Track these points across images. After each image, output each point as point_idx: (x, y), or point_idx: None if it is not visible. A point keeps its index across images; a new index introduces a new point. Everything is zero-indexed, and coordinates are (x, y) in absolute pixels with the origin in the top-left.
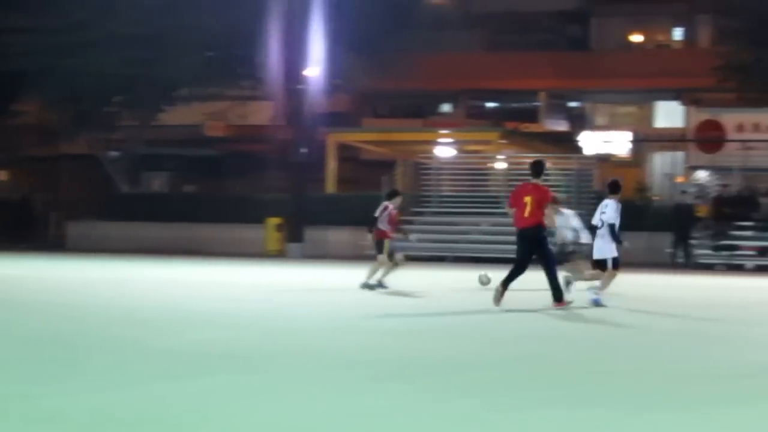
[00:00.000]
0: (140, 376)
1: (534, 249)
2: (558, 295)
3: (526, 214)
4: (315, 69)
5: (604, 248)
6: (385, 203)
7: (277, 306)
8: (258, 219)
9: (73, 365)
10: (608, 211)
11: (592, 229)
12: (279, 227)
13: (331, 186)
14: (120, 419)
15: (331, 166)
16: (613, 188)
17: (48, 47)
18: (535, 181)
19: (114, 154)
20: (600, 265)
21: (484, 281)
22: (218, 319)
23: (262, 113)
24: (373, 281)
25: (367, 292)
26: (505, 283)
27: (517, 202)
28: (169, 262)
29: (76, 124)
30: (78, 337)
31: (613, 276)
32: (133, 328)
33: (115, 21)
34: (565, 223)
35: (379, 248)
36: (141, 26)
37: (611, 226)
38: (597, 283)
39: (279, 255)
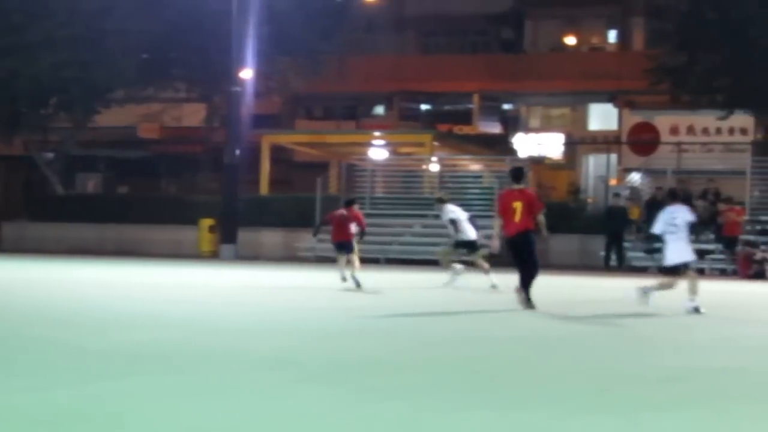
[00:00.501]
0: (68, 376)
1: (523, 253)
2: (526, 300)
3: (517, 219)
4: (248, 71)
5: (680, 252)
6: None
7: (208, 307)
8: (191, 220)
9: (1, 365)
10: (680, 215)
11: (654, 238)
12: (212, 228)
13: (264, 188)
14: (46, 419)
15: (265, 167)
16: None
17: None
18: (518, 186)
19: (48, 155)
20: (672, 271)
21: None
22: (148, 320)
23: (195, 115)
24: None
25: (299, 292)
26: (526, 289)
27: (505, 210)
28: (102, 263)
29: (11, 125)
30: (6, 337)
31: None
32: (61, 329)
33: (50, 23)
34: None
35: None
36: (76, 28)
37: (692, 226)
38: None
39: (212, 256)
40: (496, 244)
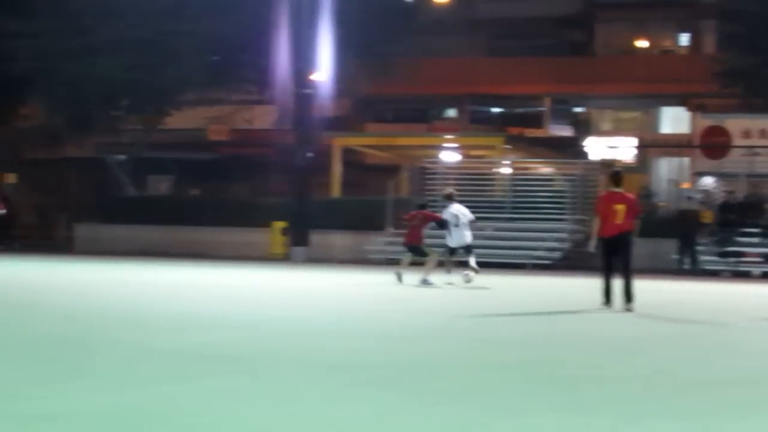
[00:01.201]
0: (143, 377)
1: (621, 252)
2: (630, 298)
3: (618, 221)
4: (319, 73)
5: None
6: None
7: (278, 309)
8: (262, 223)
9: (77, 366)
10: None
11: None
12: (283, 231)
13: (335, 190)
14: (119, 420)
15: (336, 170)
16: None
17: (54, 51)
18: (617, 189)
19: (119, 157)
20: None
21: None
22: (220, 321)
23: (266, 117)
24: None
25: (369, 295)
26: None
27: (605, 211)
28: (173, 265)
29: (82, 127)
30: (82, 338)
31: None
32: (136, 330)
33: (120, 25)
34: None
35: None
36: (145, 30)
37: None
38: None
39: (283, 259)
40: (592, 244)
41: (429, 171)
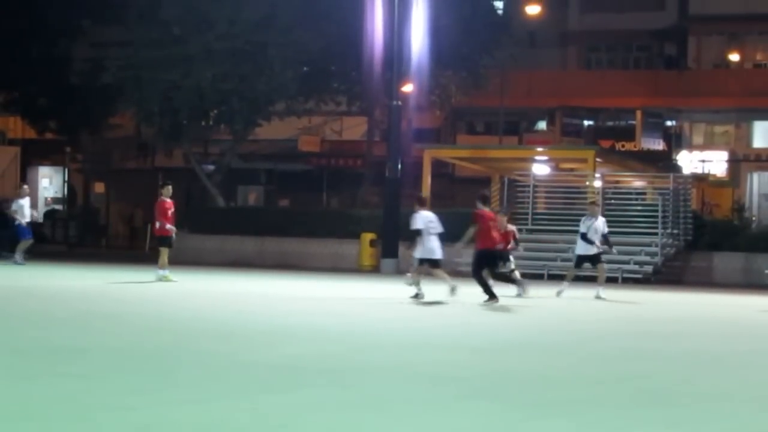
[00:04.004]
0: (234, 389)
1: None
2: None
3: None
4: (410, 85)
5: None
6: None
7: (369, 320)
8: (352, 234)
9: (168, 377)
10: None
11: None
12: (373, 242)
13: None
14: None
15: (426, 182)
16: None
17: (145, 61)
18: None
19: (209, 167)
20: None
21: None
22: (310, 333)
23: (356, 129)
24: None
25: (460, 308)
26: None
27: None
28: (262, 276)
29: (172, 137)
30: (172, 350)
31: None
32: (226, 342)
33: (211, 35)
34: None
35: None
36: (236, 41)
37: None
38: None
39: (373, 270)
40: None
41: (520, 183)
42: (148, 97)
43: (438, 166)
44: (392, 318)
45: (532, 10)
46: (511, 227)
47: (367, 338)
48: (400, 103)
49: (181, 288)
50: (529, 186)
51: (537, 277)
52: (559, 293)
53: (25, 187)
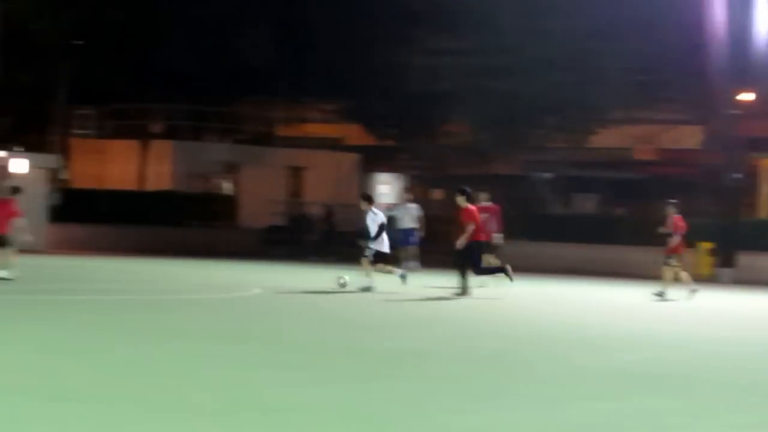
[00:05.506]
0: (570, 394)
1: None
2: None
3: None
4: (747, 93)
5: None
6: None
7: (708, 329)
8: (687, 243)
9: (506, 381)
10: None
11: None
12: (710, 252)
13: (763, 211)
14: None
15: (764, 190)
16: None
17: (480, 69)
18: None
19: (545, 175)
20: None
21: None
22: (649, 340)
23: (692, 137)
24: None
25: None
26: None
27: None
28: (598, 283)
29: (509, 144)
30: (511, 354)
31: None
32: (564, 347)
33: (546, 44)
34: None
35: None
36: (572, 49)
37: None
38: None
39: (709, 279)
40: None
41: None
42: (484, 105)
43: None
44: (730, 327)
45: None
46: None
47: (704, 346)
48: (737, 112)
49: (516, 293)
50: None
51: None
52: None
53: (408, 195)
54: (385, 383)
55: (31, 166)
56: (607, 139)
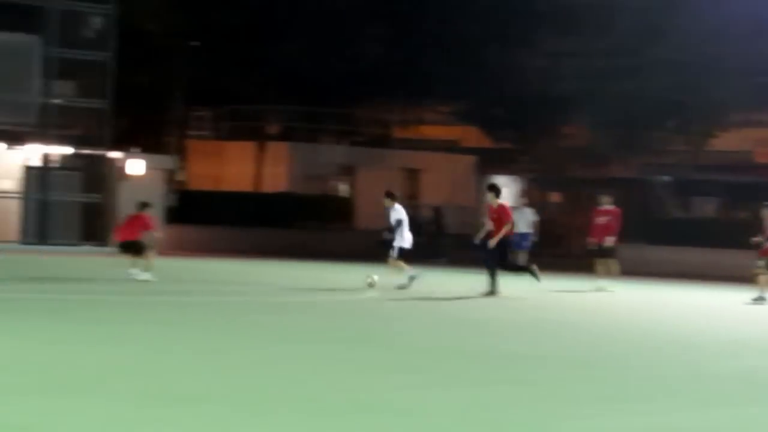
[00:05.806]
0: (690, 401)
1: None
2: None
3: None
4: None
5: None
6: None
7: None
8: None
9: (617, 386)
10: None
11: None
12: None
13: None
14: None
15: None
16: None
17: (600, 71)
18: None
19: (664, 178)
20: None
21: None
22: (763, 345)
23: None
24: None
25: None
26: None
27: None
28: (715, 287)
29: (627, 147)
30: (628, 358)
31: None
32: (683, 353)
33: (666, 46)
34: None
35: None
36: (691, 50)
37: None
38: None
39: None
40: None
41: None
42: (603, 107)
43: None
44: None
45: None
46: None
47: None
48: None
49: (629, 297)
50: None
51: None
52: None
53: (524, 199)
54: (504, 387)
55: (148, 168)
56: (727, 141)
